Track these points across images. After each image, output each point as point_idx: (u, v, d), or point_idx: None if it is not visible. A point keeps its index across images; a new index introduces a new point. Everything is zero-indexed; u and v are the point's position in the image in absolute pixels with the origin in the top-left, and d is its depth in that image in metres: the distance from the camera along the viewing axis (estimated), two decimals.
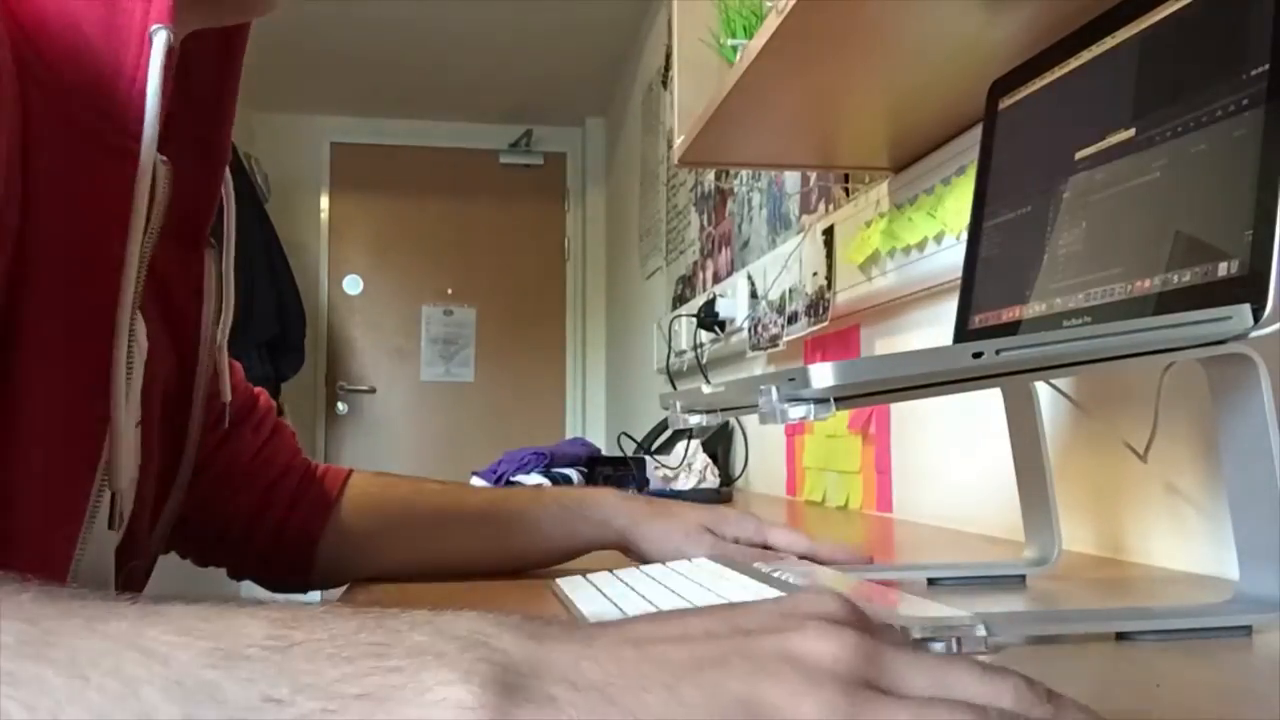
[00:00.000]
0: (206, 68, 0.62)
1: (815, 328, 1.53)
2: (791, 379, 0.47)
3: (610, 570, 0.68)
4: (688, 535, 0.77)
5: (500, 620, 0.28)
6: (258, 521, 0.77)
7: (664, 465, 1.75)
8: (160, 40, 0.50)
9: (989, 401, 0.88)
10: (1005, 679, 0.28)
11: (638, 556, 0.78)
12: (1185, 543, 0.78)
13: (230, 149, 0.66)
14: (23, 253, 0.46)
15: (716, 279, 2.36)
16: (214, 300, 0.67)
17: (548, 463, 1.61)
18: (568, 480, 1.58)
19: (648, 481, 1.68)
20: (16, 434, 0.46)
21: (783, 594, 0.30)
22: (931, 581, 0.71)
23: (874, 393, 0.51)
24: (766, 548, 0.78)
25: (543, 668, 0.26)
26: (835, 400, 0.47)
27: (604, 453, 1.78)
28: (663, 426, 1.98)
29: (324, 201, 4.50)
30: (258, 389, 0.83)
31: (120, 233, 0.52)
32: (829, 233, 1.50)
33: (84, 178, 0.50)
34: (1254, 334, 0.50)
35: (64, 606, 0.27)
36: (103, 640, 0.26)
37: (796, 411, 0.47)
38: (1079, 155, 0.69)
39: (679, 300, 2.77)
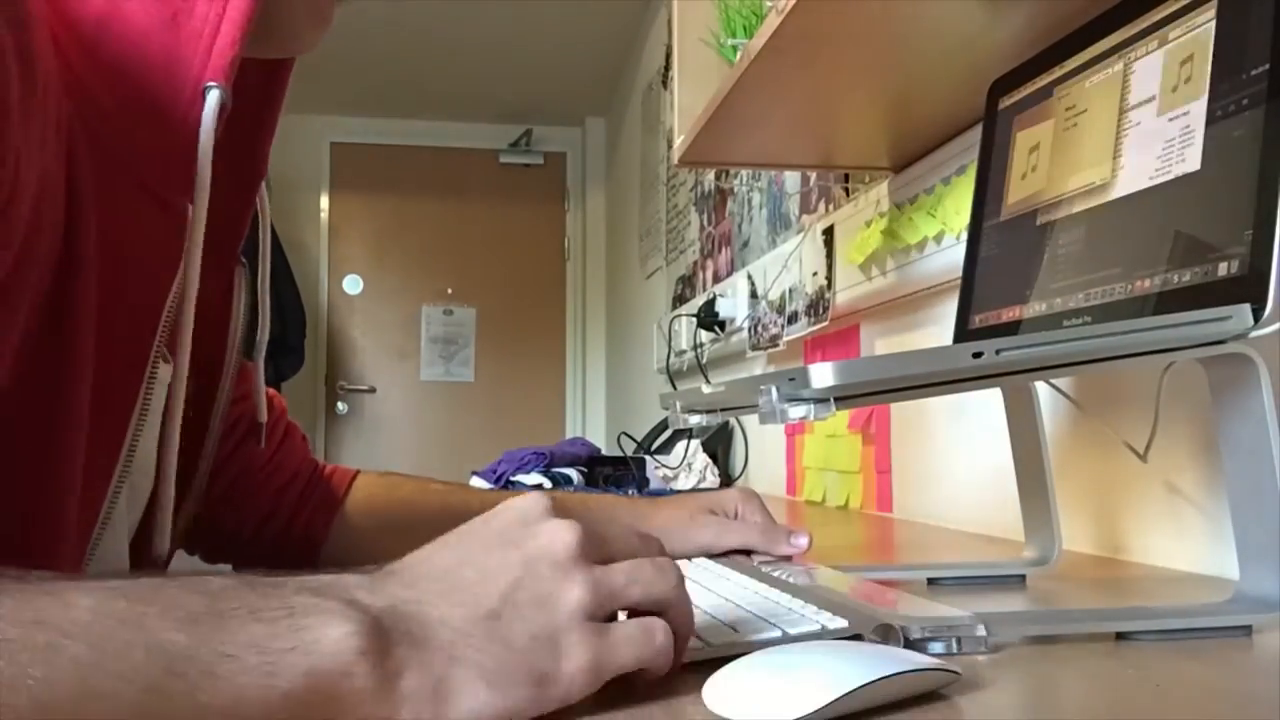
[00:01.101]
0: (248, 97, 0.62)
1: (815, 328, 1.53)
2: (791, 379, 0.47)
3: None
4: (693, 518, 0.78)
5: (345, 579, 0.36)
6: (267, 523, 0.79)
7: (664, 465, 1.75)
8: (213, 99, 0.49)
9: (989, 401, 0.88)
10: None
11: None
12: (1185, 543, 0.78)
13: (265, 172, 0.65)
14: (68, 289, 0.46)
15: (716, 279, 2.36)
16: (242, 317, 0.67)
17: (548, 463, 1.61)
18: (568, 480, 1.58)
19: (648, 481, 1.68)
20: (54, 450, 0.47)
21: (504, 502, 0.41)
22: (931, 581, 0.71)
23: (874, 393, 0.51)
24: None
25: (395, 613, 0.35)
26: (835, 400, 0.48)
27: (604, 453, 1.78)
28: (663, 426, 1.98)
29: (324, 201, 4.50)
30: (270, 391, 0.83)
31: (164, 285, 0.53)
32: (829, 233, 1.50)
33: (132, 225, 0.50)
34: (1254, 334, 0.50)
35: (37, 586, 0.31)
36: (86, 614, 0.30)
37: (796, 411, 0.48)
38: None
39: (679, 300, 2.77)
